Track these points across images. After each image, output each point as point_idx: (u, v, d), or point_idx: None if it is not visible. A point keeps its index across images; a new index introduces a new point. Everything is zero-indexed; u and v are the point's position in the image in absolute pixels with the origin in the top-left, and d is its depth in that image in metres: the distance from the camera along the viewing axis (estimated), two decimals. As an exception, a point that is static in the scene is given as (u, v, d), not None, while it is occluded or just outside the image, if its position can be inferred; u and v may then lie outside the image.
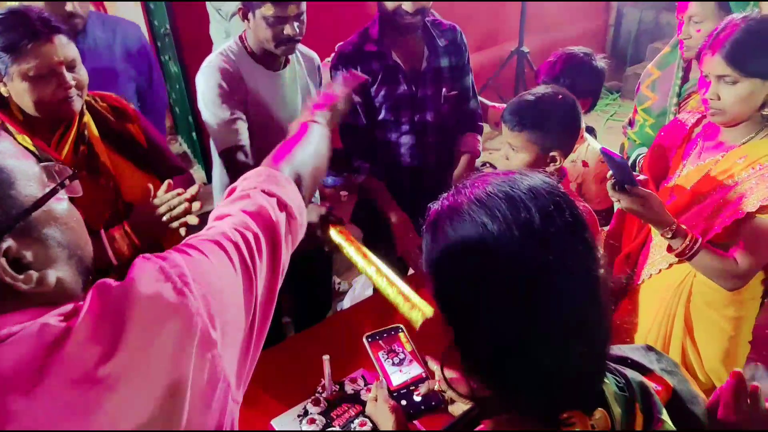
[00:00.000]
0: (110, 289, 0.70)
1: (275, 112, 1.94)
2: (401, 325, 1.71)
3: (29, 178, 0.70)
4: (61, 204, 0.74)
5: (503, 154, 1.69)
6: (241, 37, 1.92)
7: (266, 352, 1.79)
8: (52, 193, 0.72)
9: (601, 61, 2.12)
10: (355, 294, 3.00)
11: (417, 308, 1.50)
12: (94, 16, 2.07)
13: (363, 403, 1.50)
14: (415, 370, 1.57)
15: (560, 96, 1.61)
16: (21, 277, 0.67)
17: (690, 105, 1.92)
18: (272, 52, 1.85)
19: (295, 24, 1.76)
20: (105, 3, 3.71)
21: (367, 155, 2.14)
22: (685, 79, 2.05)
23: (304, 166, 1.09)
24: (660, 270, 1.71)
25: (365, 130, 2.11)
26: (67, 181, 0.75)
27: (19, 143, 1.15)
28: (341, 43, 2.13)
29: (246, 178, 1.00)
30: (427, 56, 2.02)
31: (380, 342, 1.67)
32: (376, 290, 1.93)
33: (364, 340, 1.67)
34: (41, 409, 0.61)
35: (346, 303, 3.00)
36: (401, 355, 1.61)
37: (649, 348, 0.94)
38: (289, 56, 1.96)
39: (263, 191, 0.95)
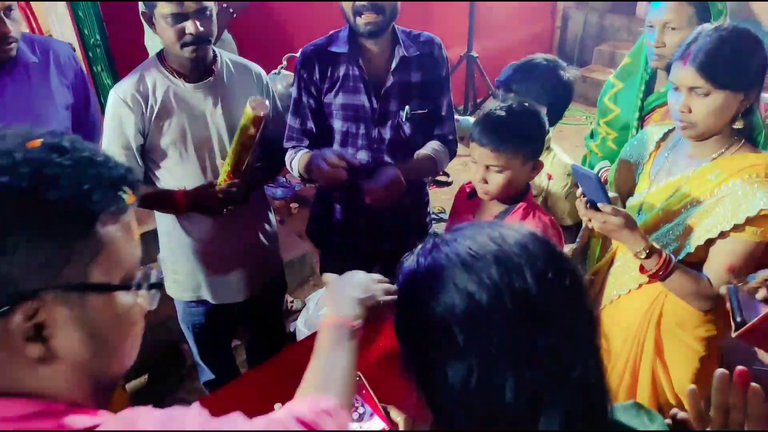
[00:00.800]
0: None
1: (189, 126, 1.82)
2: (359, 374, 1.55)
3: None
4: (129, 301, 0.65)
5: (479, 178, 1.59)
6: (159, 53, 1.82)
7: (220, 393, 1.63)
8: (126, 287, 0.65)
9: (569, 72, 1.98)
10: (309, 314, 2.86)
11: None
12: (24, 37, 1.83)
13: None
14: (376, 424, 1.42)
15: (525, 103, 1.60)
16: (29, 342, 0.57)
17: (653, 119, 1.85)
18: (184, 59, 1.74)
19: (198, 22, 1.66)
20: (34, 10, 3.45)
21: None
22: (648, 91, 1.95)
23: None
24: (630, 290, 1.64)
25: (313, 136, 1.99)
26: (154, 291, 0.69)
27: None
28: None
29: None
30: (395, 68, 1.88)
31: None
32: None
33: None
34: None
35: (300, 323, 2.85)
36: (360, 409, 1.45)
37: (639, 406, 0.85)
38: (215, 67, 1.83)
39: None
